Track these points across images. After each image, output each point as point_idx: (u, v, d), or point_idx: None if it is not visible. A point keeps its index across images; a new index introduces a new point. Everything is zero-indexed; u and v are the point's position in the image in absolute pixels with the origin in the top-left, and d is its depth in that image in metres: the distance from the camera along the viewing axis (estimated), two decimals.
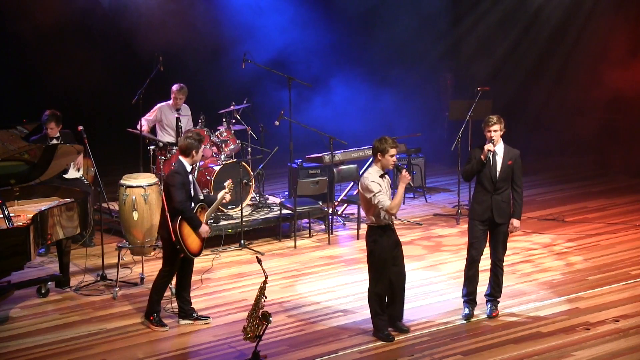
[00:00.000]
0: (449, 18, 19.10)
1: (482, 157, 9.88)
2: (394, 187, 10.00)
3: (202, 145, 10.06)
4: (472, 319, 10.13)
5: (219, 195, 10.22)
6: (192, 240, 9.88)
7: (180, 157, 9.95)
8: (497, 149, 9.96)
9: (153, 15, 16.05)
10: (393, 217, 9.67)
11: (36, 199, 11.10)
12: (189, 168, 9.92)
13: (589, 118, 17.70)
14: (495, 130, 9.89)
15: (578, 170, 17.52)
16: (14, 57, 16.64)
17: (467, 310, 10.18)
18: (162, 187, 10.95)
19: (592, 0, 17.79)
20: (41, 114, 12.16)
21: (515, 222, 10.05)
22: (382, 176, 9.60)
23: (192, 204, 9.92)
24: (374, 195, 9.44)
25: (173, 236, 9.74)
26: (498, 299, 10.29)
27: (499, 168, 9.95)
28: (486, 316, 10.14)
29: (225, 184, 10.23)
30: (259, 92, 15.72)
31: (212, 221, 12.85)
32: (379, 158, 9.59)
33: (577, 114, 17.92)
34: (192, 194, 9.96)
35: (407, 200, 15.13)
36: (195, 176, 12.84)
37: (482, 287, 10.30)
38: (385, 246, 9.62)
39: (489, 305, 10.23)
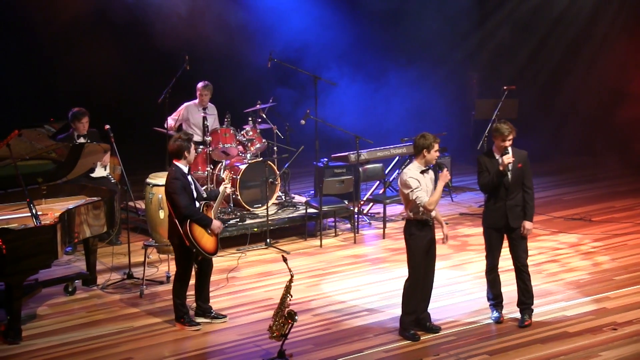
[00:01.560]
0: (475, 18, 19.05)
1: (501, 169, 9.68)
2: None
3: (192, 144, 9.96)
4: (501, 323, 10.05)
5: (221, 189, 10.25)
6: (206, 240, 9.88)
7: (175, 162, 9.91)
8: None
9: (177, 13, 16.08)
10: (432, 215, 9.63)
11: (63, 197, 11.14)
12: (185, 170, 9.90)
13: (616, 117, 17.58)
14: (510, 140, 9.72)
15: (605, 169, 17.43)
16: (37, 56, 16.70)
17: (496, 314, 10.08)
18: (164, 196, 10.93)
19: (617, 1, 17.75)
20: (66, 113, 12.20)
21: (527, 224, 9.86)
22: (423, 172, 9.60)
23: (197, 204, 9.93)
24: (412, 191, 9.47)
25: (186, 241, 9.73)
26: (531, 306, 10.08)
27: (510, 173, 9.77)
28: (518, 326, 9.93)
29: (223, 176, 10.25)
30: (284, 90, 15.71)
31: (237, 219, 12.87)
32: (425, 154, 9.58)
33: (604, 113, 17.82)
34: (195, 194, 9.96)
35: None
36: (222, 175, 12.97)
37: (506, 287, 10.23)
38: (421, 241, 9.63)
39: (523, 315, 10.01)
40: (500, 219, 9.86)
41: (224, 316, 10.26)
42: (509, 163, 9.67)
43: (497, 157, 9.75)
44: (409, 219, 9.67)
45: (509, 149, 9.71)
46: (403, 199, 9.68)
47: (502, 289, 10.15)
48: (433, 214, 9.65)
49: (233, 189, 12.81)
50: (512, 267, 10.09)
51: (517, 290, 10.09)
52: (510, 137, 9.72)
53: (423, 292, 9.79)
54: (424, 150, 9.57)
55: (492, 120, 14.04)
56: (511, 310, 10.21)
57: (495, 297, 10.10)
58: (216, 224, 9.94)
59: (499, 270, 10.06)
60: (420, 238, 9.62)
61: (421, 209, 9.50)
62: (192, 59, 13.59)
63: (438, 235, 9.81)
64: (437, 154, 9.63)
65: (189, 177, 9.90)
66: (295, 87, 15.92)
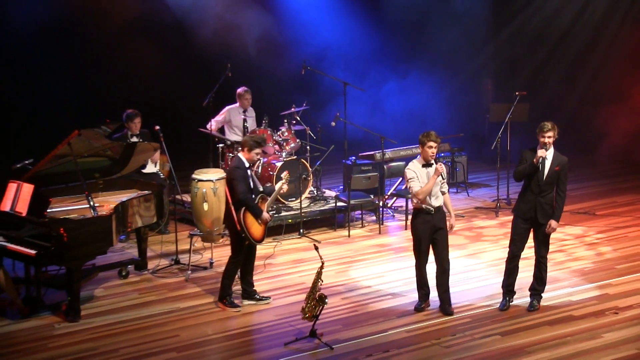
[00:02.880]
0: (490, 30, 18.97)
1: (534, 160, 9.66)
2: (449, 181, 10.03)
3: (258, 148, 10.01)
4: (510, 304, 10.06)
5: (277, 186, 10.28)
6: (255, 229, 9.94)
7: (239, 154, 10.00)
8: (547, 154, 9.70)
9: (217, 22, 16.13)
10: (433, 205, 9.68)
11: (117, 190, 11.19)
12: (247, 164, 9.97)
13: (619, 120, 17.49)
14: (549, 137, 9.67)
15: (609, 167, 17.32)
16: (90, 61, 16.78)
17: (504, 301, 10.03)
18: (216, 185, 11.03)
19: (623, 11, 17.65)
20: (120, 114, 12.28)
21: (553, 223, 9.82)
22: (424, 166, 9.67)
23: (253, 195, 9.98)
24: (408, 181, 9.69)
25: (238, 225, 9.80)
26: (541, 294, 10.07)
27: (546, 172, 9.72)
28: (527, 310, 9.93)
29: (282, 175, 10.31)
30: (317, 95, 15.72)
31: (274, 212, 12.91)
32: (420, 150, 9.73)
33: (608, 116, 17.71)
34: (252, 186, 10.01)
35: (451, 194, 14.99)
36: (259, 171, 13.03)
37: (522, 278, 10.22)
38: (419, 228, 9.73)
39: (532, 300, 9.99)
40: (530, 211, 9.81)
41: (268, 298, 10.33)
42: (541, 157, 9.61)
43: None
44: (413, 207, 9.85)
45: (547, 145, 9.66)
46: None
47: (520, 280, 10.14)
48: (435, 204, 9.70)
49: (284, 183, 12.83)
50: (530, 257, 10.12)
51: (532, 276, 10.08)
52: (549, 134, 9.66)
53: (440, 276, 9.88)
54: (420, 145, 9.72)
55: (504, 123, 14.02)
56: (520, 295, 10.22)
57: (508, 285, 10.06)
58: (265, 215, 9.99)
59: (519, 263, 10.03)
60: (420, 226, 9.72)
61: (415, 198, 9.65)
62: (232, 66, 13.65)
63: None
64: (432, 151, 9.63)
65: (249, 171, 9.97)
66: (314, 93, 15.90)
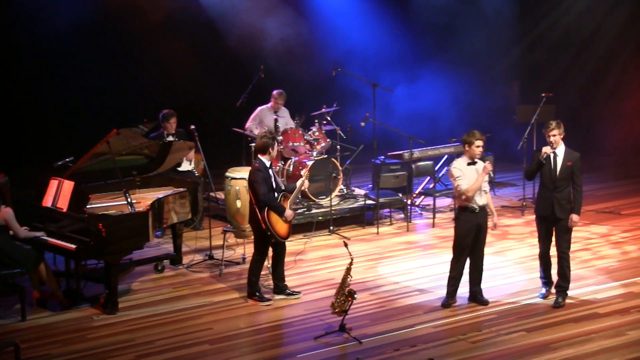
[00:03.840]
0: (517, 33, 18.90)
1: (539, 157, 9.83)
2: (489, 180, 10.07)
3: (275, 143, 10.11)
4: (547, 298, 10.15)
5: (298, 183, 10.35)
6: (280, 226, 9.99)
7: (259, 156, 10.07)
8: (558, 151, 9.82)
9: (251, 24, 16.21)
10: (478, 203, 9.74)
11: (154, 188, 11.28)
12: (268, 164, 10.03)
13: None
14: (554, 135, 9.78)
15: (634, 167, 17.18)
16: (128, 62, 16.90)
17: (543, 290, 10.23)
18: (241, 187, 11.01)
19: None
20: (157, 114, 12.39)
21: (574, 217, 9.89)
22: (470, 165, 9.72)
23: (275, 194, 10.04)
24: (454, 179, 9.67)
25: (263, 225, 9.86)
26: (566, 290, 10.08)
27: (559, 168, 9.83)
28: (552, 306, 9.97)
29: (302, 172, 10.37)
30: (346, 96, 15.74)
31: (304, 209, 12.97)
32: (467, 149, 9.74)
33: (634, 117, 17.61)
34: (275, 185, 10.08)
35: None
36: (291, 170, 13.09)
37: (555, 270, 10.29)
38: (463, 227, 9.76)
39: (557, 297, 10.03)
40: (547, 208, 9.92)
41: (299, 292, 10.38)
42: (545, 153, 9.77)
43: None
44: (458, 205, 9.86)
45: (554, 143, 9.79)
46: (454, 188, 9.87)
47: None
48: (480, 202, 9.73)
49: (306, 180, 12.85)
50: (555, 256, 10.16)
51: (557, 274, 10.12)
52: (554, 132, 9.79)
53: (474, 270, 9.96)
54: (466, 145, 9.75)
55: (530, 124, 14.00)
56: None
57: (545, 277, 10.25)
58: (289, 212, 10.04)
59: (550, 257, 10.18)
60: (465, 223, 9.77)
61: (463, 195, 9.63)
62: (265, 67, 13.71)
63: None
64: (479, 149, 9.71)
65: (270, 171, 10.03)
66: (344, 94, 15.91)
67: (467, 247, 9.86)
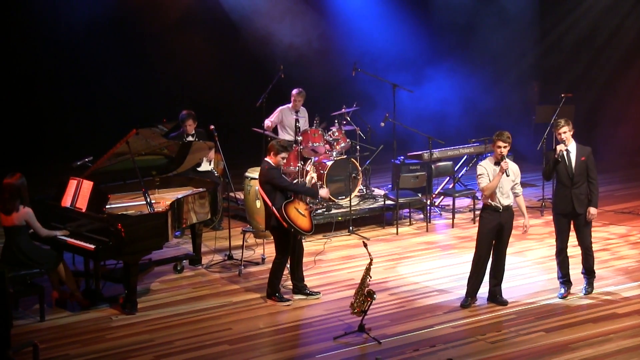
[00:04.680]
0: (536, 33, 18.77)
1: (555, 155, 9.85)
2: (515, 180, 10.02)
3: (284, 152, 10.01)
4: (566, 298, 10.10)
5: (307, 179, 10.38)
6: (302, 221, 9.91)
7: (266, 158, 10.02)
8: (570, 148, 9.91)
9: (270, 24, 16.18)
10: (502, 203, 9.70)
11: (173, 188, 11.24)
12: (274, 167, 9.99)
13: None
14: (564, 132, 9.86)
15: None
16: (147, 63, 16.91)
17: (562, 290, 10.19)
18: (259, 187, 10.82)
19: None
20: (177, 114, 12.35)
21: (592, 210, 9.93)
22: (496, 164, 9.68)
23: (289, 196, 9.98)
24: (477, 177, 9.70)
25: (284, 223, 9.77)
26: (593, 277, 10.24)
27: (574, 165, 9.89)
28: (582, 294, 10.11)
29: (307, 168, 10.33)
30: (367, 96, 15.66)
31: (324, 209, 12.90)
32: (492, 149, 9.75)
33: None
34: None
35: None
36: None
37: (574, 270, 10.25)
38: (485, 225, 9.72)
39: (585, 284, 10.22)
40: (567, 205, 9.95)
41: (318, 293, 10.30)
42: (561, 151, 9.82)
43: None
44: (483, 203, 9.83)
45: (565, 140, 9.84)
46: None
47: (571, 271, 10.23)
48: (505, 202, 9.70)
49: (320, 182, 12.77)
50: (576, 255, 10.14)
51: (583, 268, 10.24)
52: (564, 129, 9.86)
53: (495, 269, 9.90)
54: (492, 144, 9.71)
55: (550, 124, 13.86)
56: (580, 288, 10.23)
57: (563, 276, 10.20)
58: (323, 191, 10.12)
59: (567, 253, 10.18)
60: (486, 221, 9.73)
61: (483, 193, 9.66)
62: (285, 67, 13.65)
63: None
64: (499, 150, 9.65)
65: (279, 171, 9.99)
66: (364, 94, 15.82)
67: (488, 245, 9.80)
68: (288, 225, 9.77)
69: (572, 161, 9.88)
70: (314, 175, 10.50)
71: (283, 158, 10.01)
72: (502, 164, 9.64)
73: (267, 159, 10.02)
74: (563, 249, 10.12)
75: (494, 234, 9.75)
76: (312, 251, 11.76)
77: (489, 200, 9.69)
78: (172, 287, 10.73)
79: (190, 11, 16.47)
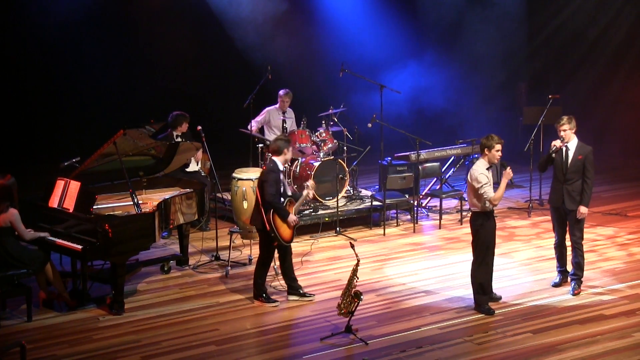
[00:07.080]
0: (524, 35, 18.84)
1: (550, 150, 10.15)
2: (496, 181, 10.07)
3: (291, 145, 10.12)
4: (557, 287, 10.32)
5: (304, 193, 10.31)
6: (284, 230, 9.94)
7: (274, 157, 10.03)
8: (570, 145, 10.13)
9: (258, 26, 16.20)
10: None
11: (161, 188, 11.25)
12: (281, 167, 10.00)
13: None
14: (564, 129, 10.08)
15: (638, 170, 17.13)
16: (137, 64, 16.90)
17: (557, 279, 10.49)
18: (256, 184, 10.87)
19: None
20: (164, 115, 12.34)
21: (581, 209, 10.12)
22: (488, 169, 9.67)
23: (282, 199, 9.99)
24: (482, 186, 9.51)
25: (267, 225, 9.81)
26: (581, 278, 10.35)
27: (570, 161, 10.11)
28: (570, 294, 10.22)
29: (308, 184, 10.33)
30: (353, 97, 15.69)
31: (311, 210, 12.93)
32: (486, 153, 9.67)
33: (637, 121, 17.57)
34: (282, 190, 10.03)
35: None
36: (297, 171, 13.04)
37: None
38: (489, 230, 9.71)
39: (573, 284, 10.32)
40: (558, 199, 10.24)
41: (312, 295, 10.29)
42: (555, 146, 10.09)
43: None
44: (476, 210, 9.69)
45: (565, 137, 10.09)
46: (472, 193, 9.66)
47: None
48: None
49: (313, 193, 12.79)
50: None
51: (571, 262, 10.38)
52: (565, 126, 10.11)
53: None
54: (486, 149, 9.66)
55: (537, 125, 13.94)
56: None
57: (561, 266, 10.51)
58: (292, 217, 9.97)
59: (566, 246, 10.44)
60: (489, 227, 9.70)
61: (487, 202, 9.55)
62: (272, 69, 13.68)
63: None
64: (499, 154, 9.67)
65: (281, 175, 10.00)
66: (351, 95, 15.87)
67: (494, 251, 9.87)
68: (270, 228, 9.80)
69: (569, 158, 10.12)
70: (311, 192, 10.55)
71: (291, 152, 10.12)
72: (509, 170, 9.68)
73: (274, 158, 10.05)
74: (561, 242, 10.39)
75: (494, 237, 9.83)
76: (299, 252, 11.78)
77: (489, 205, 9.66)
78: (159, 287, 10.73)
79: (177, 11, 16.45)
